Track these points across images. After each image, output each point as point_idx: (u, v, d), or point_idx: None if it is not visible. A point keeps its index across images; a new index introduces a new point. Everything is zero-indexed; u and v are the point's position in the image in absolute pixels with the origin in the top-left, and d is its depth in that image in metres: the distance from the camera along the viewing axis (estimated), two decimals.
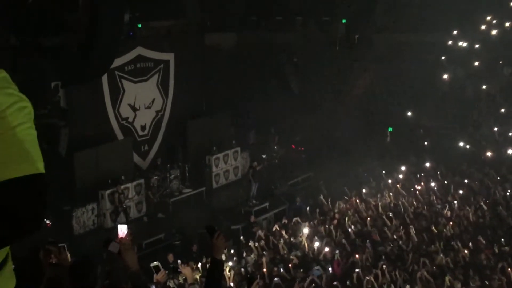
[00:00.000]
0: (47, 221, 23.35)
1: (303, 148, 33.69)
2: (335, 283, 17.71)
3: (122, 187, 25.37)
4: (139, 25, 27.48)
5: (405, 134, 32.55)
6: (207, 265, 19.02)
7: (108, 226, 24.72)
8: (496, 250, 19.77)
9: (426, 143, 31.96)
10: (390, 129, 32.92)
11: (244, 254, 21.08)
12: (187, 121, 29.81)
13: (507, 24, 33.43)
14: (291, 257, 20.11)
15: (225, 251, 21.18)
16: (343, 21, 35.22)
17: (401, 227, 22.02)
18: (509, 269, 18.05)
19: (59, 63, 24.20)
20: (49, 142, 24.99)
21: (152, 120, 29.30)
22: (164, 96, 29.66)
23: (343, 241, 21.02)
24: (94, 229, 24.88)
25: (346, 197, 26.28)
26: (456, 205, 23.74)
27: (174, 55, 29.85)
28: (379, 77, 34.86)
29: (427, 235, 21.20)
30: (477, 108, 32.99)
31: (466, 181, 26.57)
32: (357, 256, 19.47)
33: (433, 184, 26.55)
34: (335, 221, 23.24)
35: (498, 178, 26.56)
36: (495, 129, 31.22)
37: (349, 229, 22.13)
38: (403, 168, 29.18)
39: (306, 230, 22.16)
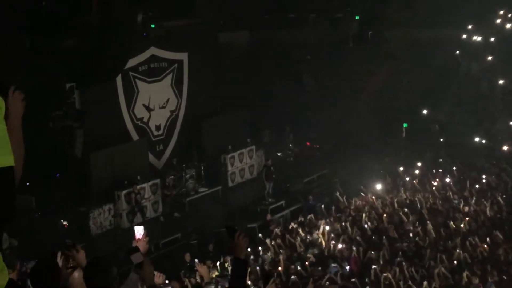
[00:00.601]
0: (64, 222, 23.48)
1: (318, 146, 33.65)
2: (353, 280, 17.68)
3: (138, 187, 25.42)
4: (153, 25, 27.50)
5: (420, 130, 32.43)
6: (225, 265, 19.07)
7: (125, 227, 24.79)
8: None
9: (441, 139, 31.83)
10: (405, 125, 32.81)
11: (261, 253, 21.08)
12: (202, 121, 29.82)
13: None
14: (308, 255, 20.10)
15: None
16: (357, 17, 35.12)
17: (418, 223, 21.95)
18: None
19: (74, 64, 24.29)
20: (65, 143, 25.10)
21: (167, 120, 29.32)
22: (178, 95, 29.68)
23: (360, 238, 20.98)
24: (111, 229, 24.95)
25: (362, 194, 26.24)
26: (473, 200, 23.64)
27: (187, 54, 29.87)
28: (393, 73, 34.75)
29: (444, 230, 21.12)
30: (492, 103, 32.83)
31: (483, 176, 26.45)
32: (371, 253, 19.43)
33: (449, 179, 26.45)
34: (351, 218, 23.19)
35: None
36: (511, 123, 31.06)
37: (366, 226, 22.08)
38: (419, 164, 29.09)
39: (322, 228, 22.14)
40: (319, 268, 18.79)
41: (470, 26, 33.53)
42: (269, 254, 20.83)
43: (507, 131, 31.06)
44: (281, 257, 19.70)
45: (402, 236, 21.16)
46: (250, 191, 29.15)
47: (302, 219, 24.19)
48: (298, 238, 21.66)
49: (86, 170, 25.00)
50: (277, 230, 23.07)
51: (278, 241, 21.68)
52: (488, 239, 20.06)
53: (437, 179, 26.79)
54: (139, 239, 6.50)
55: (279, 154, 32.78)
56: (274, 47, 33.74)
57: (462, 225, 21.34)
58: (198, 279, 16.96)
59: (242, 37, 34.23)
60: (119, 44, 22.94)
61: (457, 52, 33.83)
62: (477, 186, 25.28)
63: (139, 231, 6.62)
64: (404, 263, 18.38)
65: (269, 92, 32.38)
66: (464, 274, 17.22)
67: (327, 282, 17.56)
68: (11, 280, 4.95)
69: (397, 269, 17.87)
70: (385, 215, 22.92)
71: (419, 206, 23.67)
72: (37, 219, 23.60)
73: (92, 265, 5.42)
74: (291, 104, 32.78)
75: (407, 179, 27.67)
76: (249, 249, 21.55)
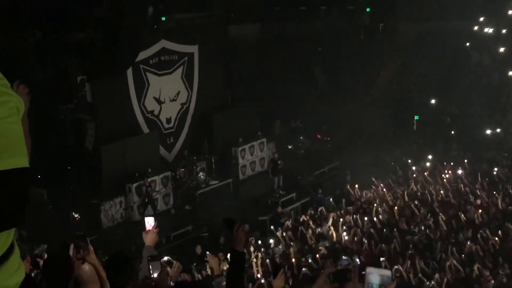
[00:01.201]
0: (76, 215, 23.57)
1: (329, 138, 33.62)
2: (363, 272, 17.66)
3: (149, 180, 25.48)
4: (163, 18, 27.51)
5: (431, 122, 32.36)
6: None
7: (136, 219, 24.86)
8: None
9: (453, 131, 31.74)
10: (416, 117, 32.74)
11: (272, 245, 21.11)
12: (213, 113, 29.83)
13: None
14: (319, 247, 20.10)
15: (253, 241, 21.27)
16: (368, 9, 35.01)
17: (429, 215, 21.90)
18: None
19: (85, 58, 24.34)
20: (76, 136, 25.19)
21: (178, 112, 29.35)
22: (189, 88, 29.70)
23: (371, 230, 20.96)
24: (122, 222, 25.04)
25: (373, 186, 26.21)
26: (484, 192, 23.57)
27: (198, 47, 29.87)
28: (404, 65, 34.66)
29: (455, 223, 21.07)
30: (504, 95, 32.69)
31: (494, 168, 26.36)
32: (382, 246, 19.42)
33: (460, 172, 26.38)
34: (362, 211, 23.19)
35: None
36: None
37: (376, 219, 22.06)
38: (430, 156, 29.02)
39: (331, 220, 22.15)
40: (330, 260, 18.79)
41: (481, 18, 33.36)
42: (280, 246, 20.86)
43: None
44: (291, 249, 19.73)
45: (413, 228, 21.12)
46: (261, 183, 29.16)
47: (313, 211, 24.20)
48: (309, 231, 21.67)
49: (97, 163, 25.08)
50: (288, 223, 23.10)
51: (289, 233, 21.71)
52: (499, 231, 20.00)
53: (449, 172, 26.71)
54: (149, 230, 6.53)
55: (290, 147, 32.78)
56: (285, 39, 33.69)
57: (473, 218, 21.28)
58: (209, 272, 17.00)
59: (253, 29, 34.20)
60: (130, 37, 22.96)
61: (468, 44, 33.69)
62: (488, 178, 25.18)
63: (149, 222, 6.64)
64: (415, 255, 18.36)
65: (280, 85, 32.36)
66: (475, 267, 17.18)
67: None
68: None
69: (408, 262, 17.85)
70: (396, 207, 22.88)
71: (430, 198, 23.62)
72: (48, 212, 23.71)
73: (115, 258, 5.43)
74: (302, 96, 32.73)
75: (418, 171, 27.61)
76: (259, 242, 21.64)
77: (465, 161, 27.84)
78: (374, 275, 3.42)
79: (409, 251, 18.86)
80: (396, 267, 17.26)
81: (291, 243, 20.84)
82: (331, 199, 25.73)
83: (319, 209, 24.14)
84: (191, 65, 29.72)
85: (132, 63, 25.51)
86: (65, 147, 25.09)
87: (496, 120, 31.38)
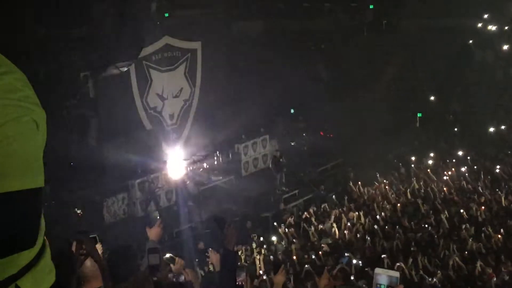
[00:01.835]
0: (78, 211, 23.57)
1: (332, 135, 33.59)
2: (366, 269, 17.67)
3: (152, 176, 25.49)
4: (166, 14, 27.50)
5: (434, 120, 32.33)
6: (239, 253, 19.09)
7: (139, 215, 24.87)
8: None
9: (456, 128, 31.71)
10: (419, 114, 32.71)
11: (275, 242, 21.11)
12: (215, 110, 29.82)
13: None
14: (322, 244, 20.10)
15: (255, 238, 21.28)
16: (371, 6, 35.01)
17: (432, 213, 21.89)
18: None
19: (88, 53, 24.28)
20: (79, 132, 25.18)
21: (181, 109, 29.36)
22: (192, 85, 29.70)
23: (374, 227, 20.95)
24: (125, 218, 25.05)
25: (375, 183, 26.20)
26: (487, 190, 23.56)
27: (201, 43, 29.86)
28: (408, 62, 34.62)
29: (458, 220, 21.06)
30: (507, 92, 32.66)
31: (496, 166, 26.34)
32: (384, 243, 19.41)
33: (463, 169, 26.35)
34: (365, 208, 23.18)
35: None
36: None
37: (379, 216, 22.05)
38: (432, 153, 29.00)
39: (333, 217, 22.15)
40: (333, 257, 18.79)
41: (485, 16, 33.32)
42: (282, 243, 20.87)
43: None
44: (293, 246, 19.73)
45: (415, 226, 21.11)
46: (263, 180, 29.14)
47: (315, 208, 24.20)
48: (312, 228, 21.67)
49: (100, 159, 25.07)
50: (290, 220, 23.11)
51: (292, 230, 21.71)
52: (502, 229, 19.98)
53: (452, 169, 26.69)
54: (153, 227, 6.55)
55: (292, 144, 32.77)
56: (288, 36, 33.67)
57: (476, 215, 21.27)
58: (211, 268, 17.01)
59: (256, 26, 34.18)
60: (133, 33, 22.96)
61: (471, 41, 33.66)
62: (491, 176, 25.17)
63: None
64: (417, 253, 18.35)
65: (283, 81, 32.32)
66: (478, 264, 17.17)
67: (339, 272, 17.55)
68: None
69: (410, 259, 17.84)
70: (398, 204, 22.88)
71: (432, 196, 23.61)
72: (51, 207, 23.71)
73: (116, 253, 5.43)
74: (305, 93, 32.70)
75: (421, 168, 27.59)
76: (261, 238, 21.65)
77: (468, 158, 27.81)
78: (382, 276, 3.42)
79: (412, 248, 18.85)
80: (398, 264, 17.25)
81: (294, 239, 20.84)
82: (333, 196, 25.72)
83: (322, 206, 24.13)
84: (194, 61, 29.72)
85: (135, 59, 25.51)
86: (68, 143, 25.08)
87: (499, 118, 31.34)
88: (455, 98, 32.84)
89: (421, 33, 34.10)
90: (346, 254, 18.83)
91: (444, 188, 24.46)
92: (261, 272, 17.78)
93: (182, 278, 7.37)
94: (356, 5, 34.98)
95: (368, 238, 19.92)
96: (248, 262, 19.26)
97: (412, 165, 28.18)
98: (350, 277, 17.12)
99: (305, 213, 23.84)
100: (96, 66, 24.03)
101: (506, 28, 33.09)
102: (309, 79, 34.12)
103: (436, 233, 20.10)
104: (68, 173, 24.68)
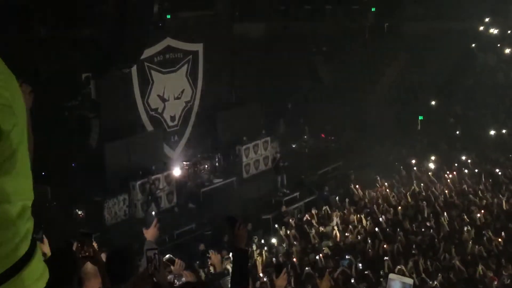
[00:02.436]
0: (79, 212, 23.58)
1: (333, 137, 33.60)
2: (366, 272, 17.67)
3: (153, 177, 25.49)
4: (168, 16, 27.51)
5: (436, 123, 32.32)
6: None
7: (140, 217, 24.88)
8: None
9: (457, 131, 31.70)
10: (420, 117, 32.70)
11: (275, 244, 21.10)
12: (217, 111, 29.83)
13: None
14: (323, 247, 20.08)
15: (256, 240, 21.27)
16: (373, 9, 35.02)
17: (433, 215, 21.87)
18: None
19: (90, 54, 24.31)
20: (80, 133, 25.19)
21: (182, 110, 29.36)
22: (193, 86, 29.70)
23: (375, 229, 20.93)
24: (126, 219, 25.04)
25: (377, 186, 26.19)
26: (488, 193, 23.53)
27: (203, 45, 29.87)
28: (409, 65, 34.63)
29: (458, 223, 21.04)
30: (509, 95, 32.65)
31: (497, 169, 26.32)
32: (385, 246, 19.39)
33: (464, 172, 26.34)
34: (366, 210, 23.17)
35: None
36: None
37: (380, 218, 22.03)
38: (433, 157, 28.99)
39: (336, 220, 22.13)
40: (333, 260, 18.78)
41: (487, 19, 33.33)
42: (283, 245, 20.86)
43: None
44: (294, 248, 19.72)
45: (416, 228, 21.09)
46: (264, 182, 29.14)
47: (316, 211, 24.18)
48: (313, 230, 21.66)
49: (101, 160, 25.08)
50: (291, 222, 23.09)
51: (293, 232, 21.70)
52: (503, 232, 19.97)
53: (453, 172, 26.68)
54: (150, 227, 6.57)
55: (294, 146, 32.78)
56: (290, 38, 33.69)
57: (477, 218, 21.26)
58: (212, 269, 17.00)
59: (258, 28, 34.21)
60: (135, 34, 22.97)
61: (473, 45, 33.66)
62: (492, 179, 25.15)
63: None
64: (418, 256, 18.34)
65: (285, 84, 32.35)
66: (479, 268, 17.16)
67: (340, 275, 17.54)
68: None
69: (411, 262, 17.83)
70: (399, 207, 22.86)
71: (433, 198, 23.59)
72: (52, 208, 23.72)
73: (115, 254, 5.43)
74: (307, 95, 32.72)
75: (422, 171, 27.58)
76: (262, 241, 21.64)
77: (469, 161, 27.80)
78: (396, 282, 3.41)
79: (413, 251, 18.83)
80: (399, 267, 17.25)
81: (294, 242, 20.83)
82: (336, 198, 25.71)
83: (323, 208, 24.10)
84: (196, 63, 29.72)
85: (137, 61, 25.52)
86: (69, 144, 25.10)
87: (500, 121, 31.32)
88: (457, 101, 32.82)
89: (422, 36, 34.11)
90: (347, 257, 18.82)
91: (445, 191, 24.44)
92: (261, 274, 17.76)
93: (183, 279, 7.37)
94: (358, 8, 35.02)
95: (369, 240, 19.91)
96: (249, 264, 19.23)
97: (414, 168, 28.15)
98: (351, 279, 17.13)
99: (306, 215, 23.83)
100: (98, 67, 24.03)
101: (509, 31, 33.09)
102: (311, 81, 34.15)
103: (437, 236, 20.09)
104: (69, 174, 24.70)
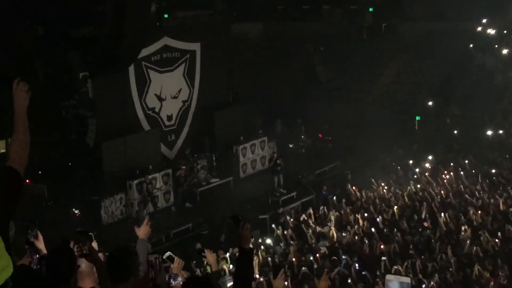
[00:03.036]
0: (76, 211, 23.57)
1: (330, 138, 33.60)
2: (364, 272, 17.67)
3: (150, 177, 25.48)
4: (166, 15, 27.50)
5: (433, 123, 32.32)
6: (236, 255, 19.06)
7: (136, 216, 24.86)
8: None
9: (454, 132, 31.70)
10: (418, 117, 32.71)
11: (272, 244, 21.09)
12: (214, 111, 29.82)
13: None
14: (320, 247, 20.07)
15: (252, 240, 21.24)
16: (371, 9, 35.05)
17: (429, 216, 21.87)
18: None
19: (87, 54, 24.31)
20: (78, 132, 25.19)
21: (179, 110, 29.35)
22: (190, 86, 29.69)
23: (372, 230, 20.93)
24: (122, 218, 25.04)
25: (374, 186, 26.18)
26: (485, 194, 23.53)
27: (200, 45, 29.86)
28: (407, 66, 34.65)
29: (455, 224, 21.05)
30: (506, 96, 32.66)
31: (494, 170, 26.32)
32: (382, 246, 19.38)
33: (461, 173, 26.34)
34: (363, 210, 23.16)
35: None
36: None
37: (377, 219, 22.03)
38: (430, 157, 28.99)
39: (333, 220, 22.12)
40: (330, 260, 18.76)
41: (484, 20, 33.35)
42: (281, 245, 20.84)
43: None
44: (291, 248, 19.71)
45: (413, 229, 21.09)
46: (261, 182, 29.13)
47: (313, 211, 24.16)
48: (310, 230, 21.65)
49: (98, 160, 25.08)
50: (288, 221, 23.08)
51: (289, 231, 21.69)
52: (499, 233, 19.97)
53: (450, 172, 26.67)
54: (141, 225, 6.57)
55: (291, 146, 32.77)
56: (287, 38, 33.73)
57: (473, 219, 21.25)
58: (208, 269, 16.98)
59: (256, 28, 34.25)
60: (132, 33, 22.95)
61: (471, 45, 33.68)
62: (489, 180, 25.15)
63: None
64: (415, 256, 18.34)
65: (282, 84, 32.35)
66: (476, 268, 17.16)
67: (337, 275, 17.54)
68: (23, 266, 4.98)
69: (408, 262, 17.83)
70: (396, 207, 22.86)
71: (430, 199, 23.59)
72: (49, 207, 23.71)
73: (116, 253, 5.43)
74: (304, 95, 32.71)
75: (419, 172, 27.57)
76: (259, 240, 21.62)
77: (466, 162, 27.80)
78: (394, 282, 3.41)
79: (409, 252, 18.83)
80: (395, 267, 17.24)
81: (291, 242, 20.82)
82: (334, 198, 25.71)
83: (321, 208, 24.09)
84: (193, 62, 29.71)
85: (134, 60, 25.51)
86: (66, 143, 25.10)
87: (498, 122, 31.32)
88: (454, 101, 32.83)
89: (420, 36, 34.13)
90: (343, 257, 18.81)
91: (442, 192, 24.44)
92: (257, 276, 17.73)
93: (179, 279, 7.35)
94: (356, 8, 35.05)
95: (366, 241, 19.90)
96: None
97: (411, 168, 28.15)
98: (348, 280, 17.13)
99: (303, 215, 23.81)
100: (95, 66, 24.02)
101: (505, 32, 33.12)
102: (308, 81, 34.14)
103: (433, 237, 20.09)
104: (65, 173, 24.70)
